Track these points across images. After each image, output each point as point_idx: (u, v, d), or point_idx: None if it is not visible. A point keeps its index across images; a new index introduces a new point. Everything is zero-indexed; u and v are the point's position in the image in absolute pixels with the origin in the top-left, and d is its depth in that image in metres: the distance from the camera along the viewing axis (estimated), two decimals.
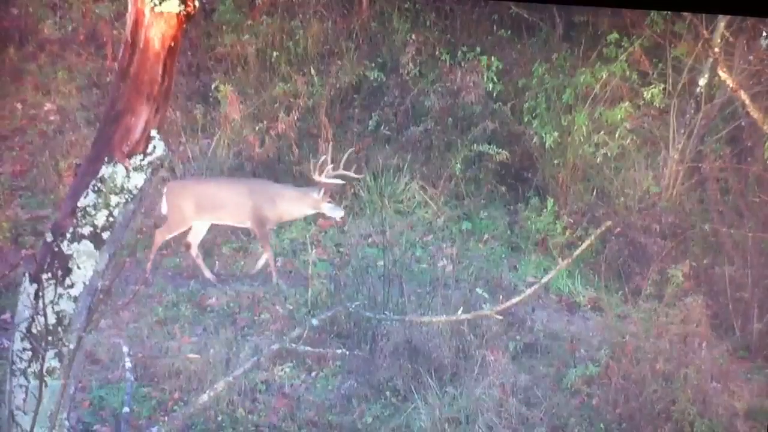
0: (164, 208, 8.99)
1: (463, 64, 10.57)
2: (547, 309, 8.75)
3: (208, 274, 8.96)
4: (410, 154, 10.41)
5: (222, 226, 9.37)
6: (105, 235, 4.93)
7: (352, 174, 9.02)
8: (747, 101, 8.81)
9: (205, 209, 8.91)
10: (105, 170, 4.90)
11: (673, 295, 7.68)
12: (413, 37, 10.95)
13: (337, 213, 9.00)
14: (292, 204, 8.96)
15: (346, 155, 8.91)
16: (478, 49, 10.58)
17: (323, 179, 8.77)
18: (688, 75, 9.96)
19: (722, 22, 9.41)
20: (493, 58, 10.50)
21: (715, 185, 9.20)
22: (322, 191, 8.80)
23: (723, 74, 9.11)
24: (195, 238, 9.05)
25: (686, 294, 7.69)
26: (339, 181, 8.96)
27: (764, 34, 9.43)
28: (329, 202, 8.86)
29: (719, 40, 9.43)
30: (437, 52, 11.01)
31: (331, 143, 9.65)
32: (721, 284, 8.41)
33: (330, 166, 8.78)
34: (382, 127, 10.73)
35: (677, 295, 7.67)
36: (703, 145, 9.81)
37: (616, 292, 8.54)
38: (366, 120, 10.79)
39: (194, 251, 9.05)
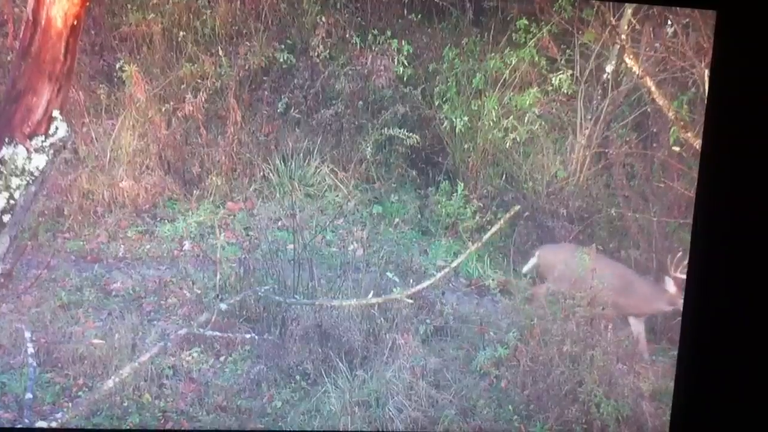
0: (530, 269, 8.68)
1: (373, 47, 10.52)
2: (457, 292, 8.80)
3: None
4: (320, 138, 10.36)
5: None
6: (6, 218, 4.81)
7: None
8: (653, 88, 8.93)
9: (563, 280, 8.21)
10: (5, 152, 4.78)
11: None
12: (323, 19, 10.83)
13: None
14: (648, 297, 8.29)
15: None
16: (389, 33, 10.55)
17: (678, 274, 8.15)
18: (595, 62, 10.07)
19: (629, 9, 9.53)
20: (403, 41, 10.50)
21: (621, 170, 9.36)
22: (675, 285, 8.18)
23: (629, 61, 9.22)
24: None
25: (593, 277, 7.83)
26: None
27: (669, 22, 9.59)
28: None
29: (626, 27, 9.55)
30: (347, 35, 10.95)
31: None
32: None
33: (685, 262, 8.28)
34: (291, 110, 10.64)
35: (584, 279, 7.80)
36: (609, 131, 9.95)
37: (525, 275, 8.64)
38: (275, 102, 10.69)
39: None
